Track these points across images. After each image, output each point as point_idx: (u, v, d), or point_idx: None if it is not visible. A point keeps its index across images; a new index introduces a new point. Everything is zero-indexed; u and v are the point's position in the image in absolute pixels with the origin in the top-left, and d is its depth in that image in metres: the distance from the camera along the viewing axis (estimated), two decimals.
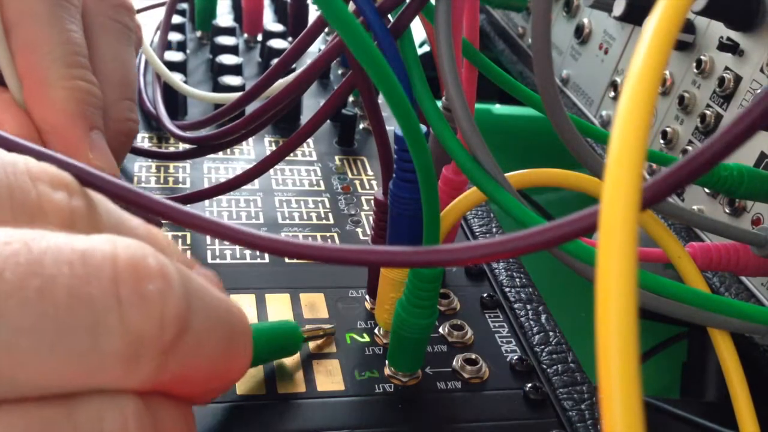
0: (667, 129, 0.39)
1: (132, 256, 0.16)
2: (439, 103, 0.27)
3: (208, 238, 0.34)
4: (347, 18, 0.18)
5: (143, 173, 0.38)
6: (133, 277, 0.16)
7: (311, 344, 0.29)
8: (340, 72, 0.51)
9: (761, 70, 0.33)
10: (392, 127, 0.28)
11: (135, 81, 0.32)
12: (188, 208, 0.18)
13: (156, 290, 0.16)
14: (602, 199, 0.12)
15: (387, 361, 0.29)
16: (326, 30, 0.50)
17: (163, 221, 0.29)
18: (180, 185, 0.38)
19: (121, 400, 0.16)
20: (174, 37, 0.48)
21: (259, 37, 0.53)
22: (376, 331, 0.30)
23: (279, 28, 0.51)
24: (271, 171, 0.40)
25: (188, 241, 0.33)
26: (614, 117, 0.13)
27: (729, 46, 0.35)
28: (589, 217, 0.15)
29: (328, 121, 0.45)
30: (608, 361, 0.11)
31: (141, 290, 0.15)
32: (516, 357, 0.30)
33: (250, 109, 0.33)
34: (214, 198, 0.36)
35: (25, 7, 0.27)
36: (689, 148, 0.37)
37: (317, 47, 0.52)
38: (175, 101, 0.43)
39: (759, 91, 0.33)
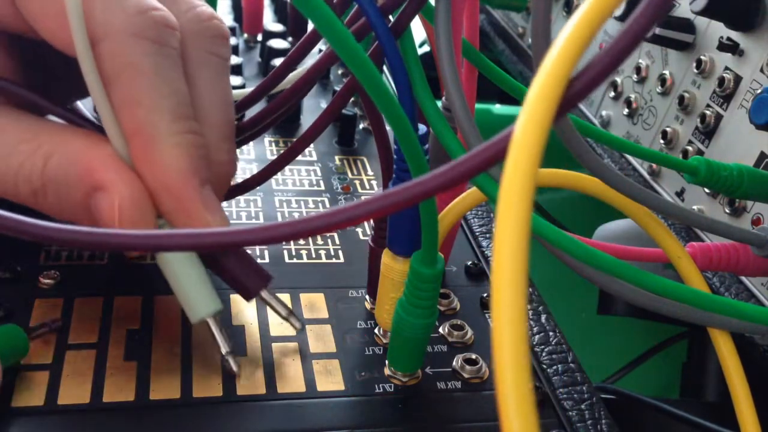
0: (667, 129, 0.39)
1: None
2: (439, 103, 0.27)
3: None
4: (335, 24, 0.18)
5: None
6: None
7: (311, 343, 0.29)
8: (340, 72, 0.51)
9: (761, 70, 0.33)
10: None
11: (233, 117, 0.29)
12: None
13: None
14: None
15: (387, 361, 0.29)
16: None
17: None
18: None
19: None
20: None
21: (259, 37, 0.53)
22: (376, 331, 0.30)
23: (279, 28, 0.51)
24: None
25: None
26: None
27: (729, 46, 0.35)
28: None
29: None
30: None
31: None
32: None
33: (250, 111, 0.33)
34: None
35: (125, 59, 0.24)
36: (689, 148, 0.37)
37: (317, 48, 0.52)
38: None
39: None
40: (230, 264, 0.27)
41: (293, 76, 0.33)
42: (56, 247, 0.32)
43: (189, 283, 0.26)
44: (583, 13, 0.13)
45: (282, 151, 0.33)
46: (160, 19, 0.25)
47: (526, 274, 0.11)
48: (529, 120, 0.13)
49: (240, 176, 0.37)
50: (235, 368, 0.27)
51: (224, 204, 0.36)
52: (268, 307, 0.29)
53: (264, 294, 0.28)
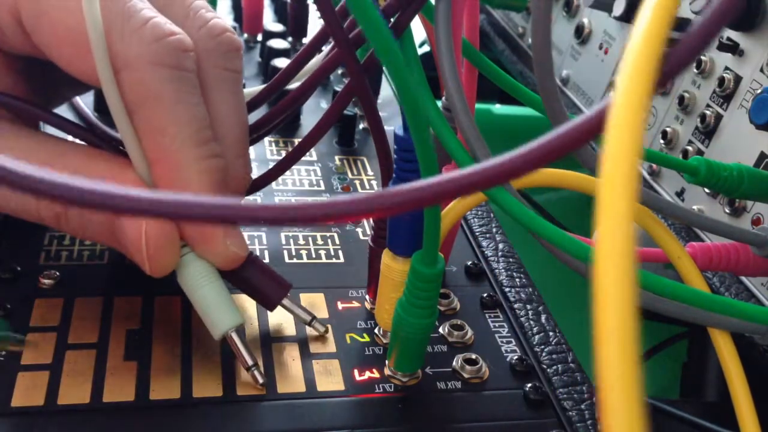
0: (667, 129, 0.39)
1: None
2: (439, 103, 0.27)
3: None
4: (373, 15, 0.18)
5: None
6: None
7: (311, 344, 0.29)
8: (340, 72, 0.51)
9: (761, 70, 0.33)
10: (392, 127, 0.28)
11: (248, 131, 0.29)
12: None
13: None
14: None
15: (387, 361, 0.29)
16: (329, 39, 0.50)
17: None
18: None
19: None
20: None
21: (259, 37, 0.53)
22: (376, 331, 0.30)
23: (279, 28, 0.51)
24: None
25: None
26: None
27: (729, 46, 0.35)
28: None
29: None
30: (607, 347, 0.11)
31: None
32: (516, 357, 0.30)
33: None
34: None
35: (147, 90, 0.25)
36: (689, 148, 0.37)
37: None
38: None
39: None
40: (249, 275, 0.28)
41: (309, 68, 0.32)
42: (56, 247, 0.32)
43: (210, 297, 0.26)
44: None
45: (285, 153, 0.33)
46: (178, 44, 0.25)
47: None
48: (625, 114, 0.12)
49: None
50: (261, 380, 0.27)
51: None
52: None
53: (286, 302, 0.29)
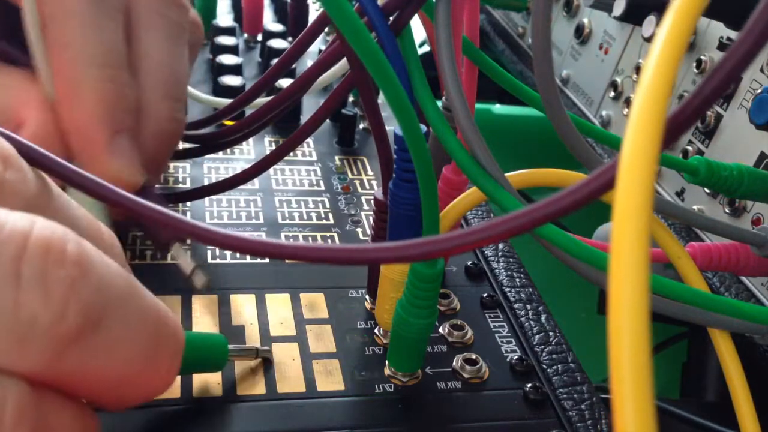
0: None
1: (47, 238, 0.15)
2: (439, 103, 0.27)
3: None
4: (350, 16, 0.18)
5: None
6: (40, 258, 0.15)
7: (311, 343, 0.29)
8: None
9: (761, 70, 0.33)
10: (392, 127, 0.28)
11: (184, 79, 0.30)
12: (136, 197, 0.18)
13: (66, 276, 0.15)
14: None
15: (387, 361, 0.29)
16: (326, 30, 0.50)
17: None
18: (180, 185, 0.37)
19: (5, 381, 0.15)
20: None
21: (259, 37, 0.53)
22: (376, 331, 0.30)
23: (279, 28, 0.51)
24: (271, 171, 0.40)
25: (188, 241, 0.33)
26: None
27: (729, 46, 0.35)
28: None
29: (328, 121, 0.45)
30: (620, 351, 0.11)
31: (46, 272, 0.15)
32: (516, 357, 0.30)
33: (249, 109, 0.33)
34: (214, 198, 0.36)
35: (59, 3, 0.26)
36: (689, 148, 0.37)
37: (317, 47, 0.52)
38: None
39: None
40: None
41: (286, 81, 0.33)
42: None
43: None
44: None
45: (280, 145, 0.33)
46: None
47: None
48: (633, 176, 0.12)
49: None
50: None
51: (224, 204, 0.36)
52: (268, 307, 0.29)
53: (174, 248, 0.29)
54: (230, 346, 0.26)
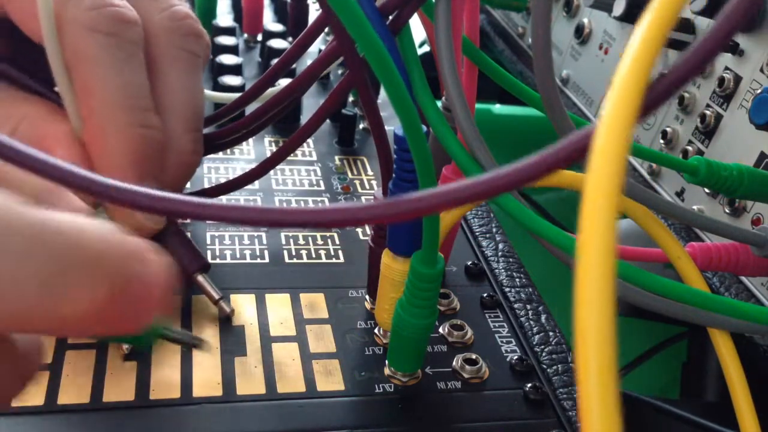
0: (667, 129, 0.39)
1: None
2: (439, 103, 0.27)
3: (209, 238, 0.34)
4: (356, 12, 0.18)
5: None
6: None
7: (311, 343, 0.29)
8: (339, 72, 0.51)
9: (761, 70, 0.33)
10: (392, 127, 0.28)
11: (202, 111, 0.31)
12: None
13: None
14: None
15: (387, 361, 0.29)
16: (326, 30, 0.50)
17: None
18: None
19: None
20: None
21: (259, 37, 0.53)
22: (376, 331, 0.30)
23: (279, 28, 0.51)
24: (271, 171, 0.40)
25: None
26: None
27: (729, 46, 0.35)
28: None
29: (328, 121, 0.45)
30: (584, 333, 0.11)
31: None
32: (516, 357, 0.30)
33: (249, 109, 0.33)
34: (214, 199, 0.36)
35: (79, 49, 0.26)
36: (689, 148, 0.37)
37: (317, 47, 0.52)
38: None
39: None
40: (168, 243, 0.29)
41: (282, 82, 0.33)
42: None
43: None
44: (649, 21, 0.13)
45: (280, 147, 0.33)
46: (115, 14, 0.27)
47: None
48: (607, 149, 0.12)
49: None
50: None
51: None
52: (267, 307, 0.29)
53: (200, 278, 0.30)
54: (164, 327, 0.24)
